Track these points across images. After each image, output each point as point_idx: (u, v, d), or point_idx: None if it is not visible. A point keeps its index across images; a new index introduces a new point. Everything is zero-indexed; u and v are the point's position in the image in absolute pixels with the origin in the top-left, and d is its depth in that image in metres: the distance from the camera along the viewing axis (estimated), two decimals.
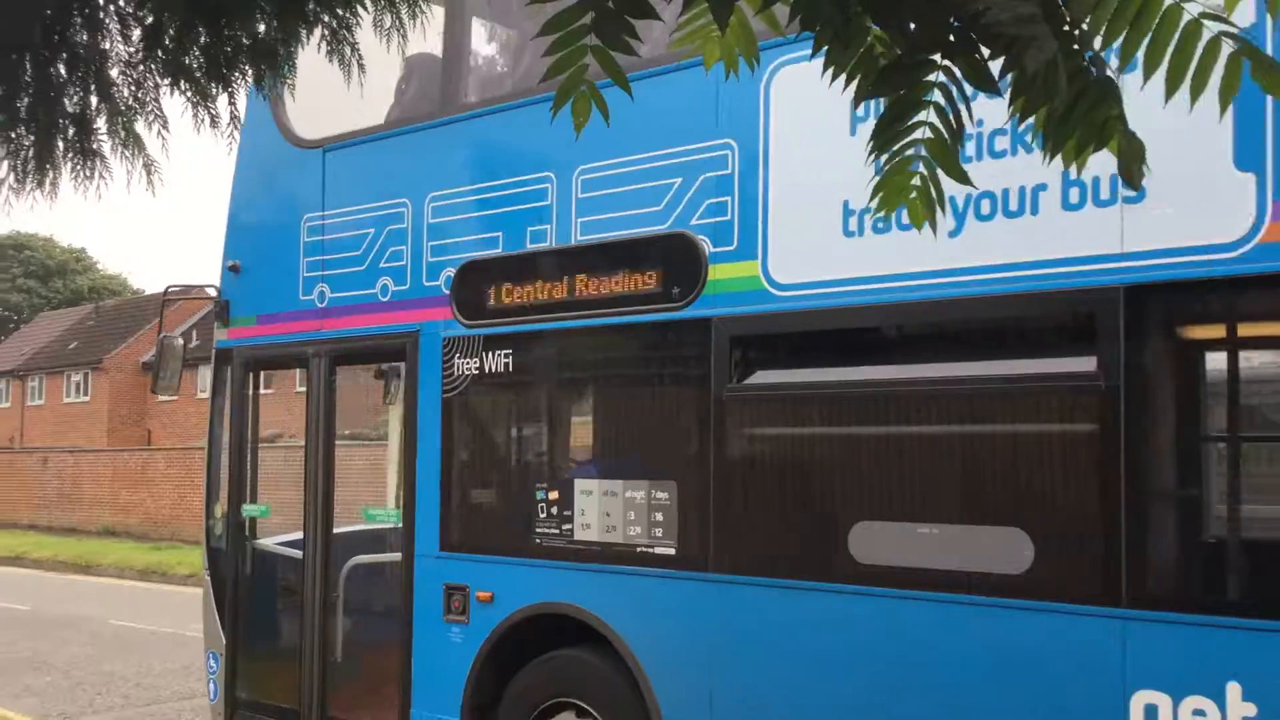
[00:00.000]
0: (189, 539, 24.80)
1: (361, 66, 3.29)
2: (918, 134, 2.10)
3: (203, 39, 3.05)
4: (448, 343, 5.97)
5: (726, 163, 5.05)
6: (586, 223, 5.55)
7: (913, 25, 1.97)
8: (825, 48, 2.12)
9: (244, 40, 3.09)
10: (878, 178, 2.19)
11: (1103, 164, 2.22)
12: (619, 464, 5.55)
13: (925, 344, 4.69)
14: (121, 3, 3.29)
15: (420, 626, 5.97)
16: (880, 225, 4.49)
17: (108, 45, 3.46)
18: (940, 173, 2.16)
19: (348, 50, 3.19)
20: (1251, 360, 4.00)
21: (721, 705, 4.90)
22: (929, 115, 2.08)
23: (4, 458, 34.37)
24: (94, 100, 3.66)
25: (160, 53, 3.21)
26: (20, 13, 3.26)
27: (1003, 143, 4.26)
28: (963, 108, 2.05)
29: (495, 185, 5.91)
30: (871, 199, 2.23)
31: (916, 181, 2.18)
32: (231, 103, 3.40)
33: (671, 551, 5.10)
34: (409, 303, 6.19)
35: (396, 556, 6.22)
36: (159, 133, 3.57)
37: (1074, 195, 4.15)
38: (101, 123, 3.50)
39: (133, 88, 3.53)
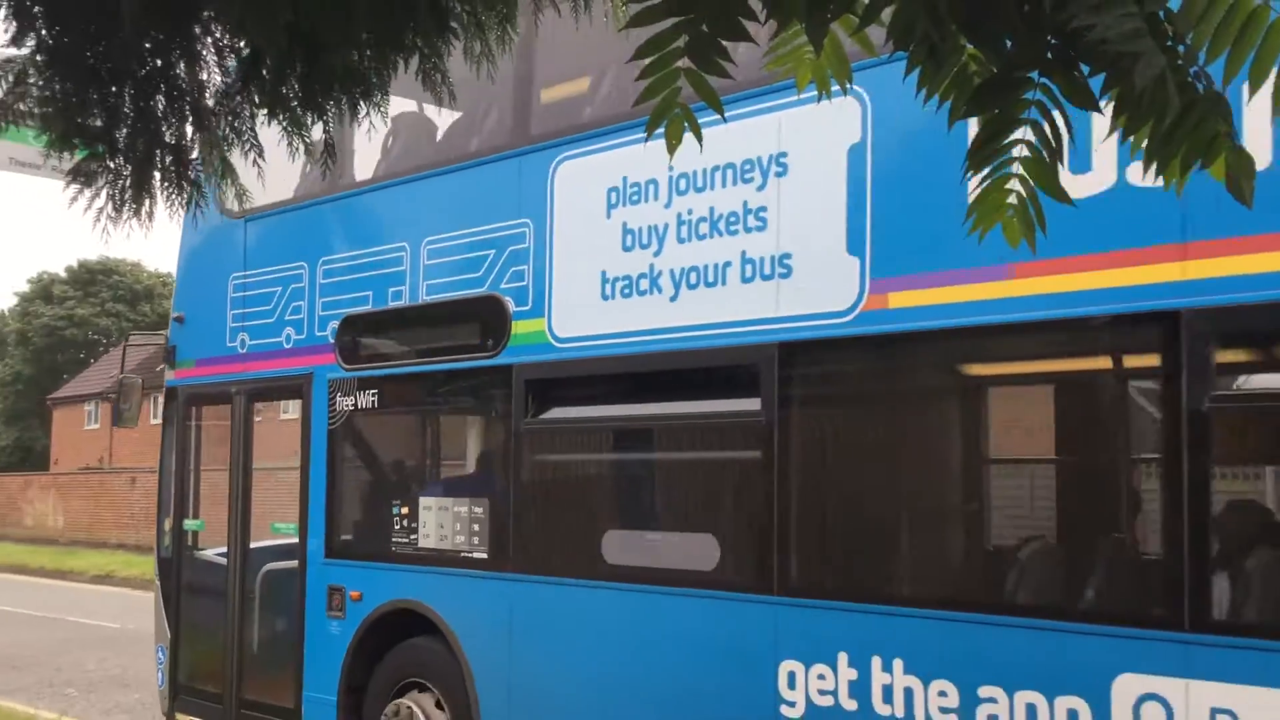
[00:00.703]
0: None
1: (452, 95, 3.36)
2: (1015, 152, 2.08)
3: (299, 69, 3.12)
4: (331, 384, 7.25)
5: (525, 238, 6.30)
6: (430, 285, 6.79)
7: (1010, 43, 1.95)
8: (918, 68, 2.11)
9: (340, 69, 3.15)
10: (975, 194, 2.18)
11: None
12: (451, 484, 7.07)
13: (651, 386, 5.91)
14: (218, 34, 3.37)
15: (310, 621, 7.26)
16: (625, 291, 5.83)
17: (205, 76, 3.55)
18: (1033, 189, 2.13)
19: (439, 78, 3.25)
20: (861, 394, 5.36)
21: (519, 676, 6.18)
22: (1026, 133, 2.06)
23: (94, 478, 35.08)
24: (189, 130, 3.74)
25: (258, 83, 3.28)
26: (121, 46, 3.35)
27: (704, 228, 5.56)
28: (1061, 125, 2.03)
29: (367, 253, 7.20)
30: (967, 217, 2.22)
31: (1013, 200, 2.16)
32: (326, 131, 3.46)
33: (485, 556, 6.39)
34: (305, 349, 7.48)
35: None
36: (254, 161, 3.64)
37: (749, 270, 5.39)
38: (197, 152, 3.59)
39: (229, 118, 3.61)
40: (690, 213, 5.64)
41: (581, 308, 6.05)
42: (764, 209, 5.36)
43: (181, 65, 3.40)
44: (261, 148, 3.68)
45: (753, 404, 5.28)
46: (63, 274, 52.74)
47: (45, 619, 17.37)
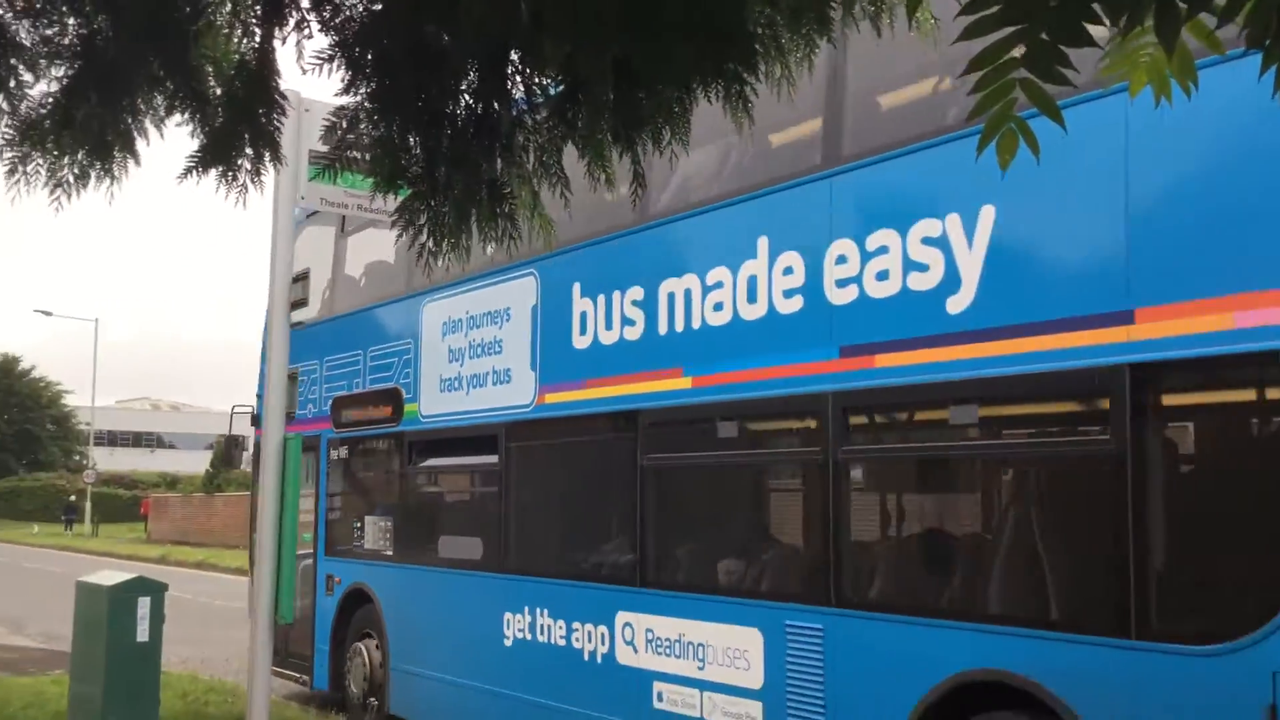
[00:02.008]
0: None
1: (751, 120, 3.36)
2: None
3: (612, 102, 3.21)
4: (328, 441, 11.64)
5: (409, 351, 10.36)
6: (371, 379, 11.01)
7: None
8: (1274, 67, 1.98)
9: (654, 101, 3.22)
10: None
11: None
12: (378, 506, 10.96)
13: (458, 446, 9.83)
14: (529, 72, 3.51)
15: (319, 598, 11.56)
16: (446, 388, 9.77)
17: (515, 113, 3.69)
18: None
19: (740, 105, 3.28)
20: (542, 450, 9.00)
21: (406, 626, 10.18)
22: None
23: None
24: (498, 165, 3.90)
25: (570, 118, 3.39)
26: (444, 88, 3.54)
27: (479, 350, 9.45)
28: None
29: (344, 356, 11.39)
30: None
31: None
32: (635, 163, 3.54)
33: (390, 552, 10.55)
34: (318, 419, 11.70)
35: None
36: (561, 193, 3.76)
37: (493, 379, 9.19)
38: (513, 187, 3.73)
39: (538, 152, 3.74)
40: (472, 341, 9.48)
41: (430, 397, 10.05)
42: (500, 340, 9.17)
43: (498, 103, 3.56)
44: (568, 180, 3.79)
45: (493, 460, 9.21)
46: None
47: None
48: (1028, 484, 5.96)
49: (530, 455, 8.98)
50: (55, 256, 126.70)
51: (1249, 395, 5.05)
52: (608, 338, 8.02)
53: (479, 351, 9.34)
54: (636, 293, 7.81)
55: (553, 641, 8.27)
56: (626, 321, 7.88)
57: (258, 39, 3.67)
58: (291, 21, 3.61)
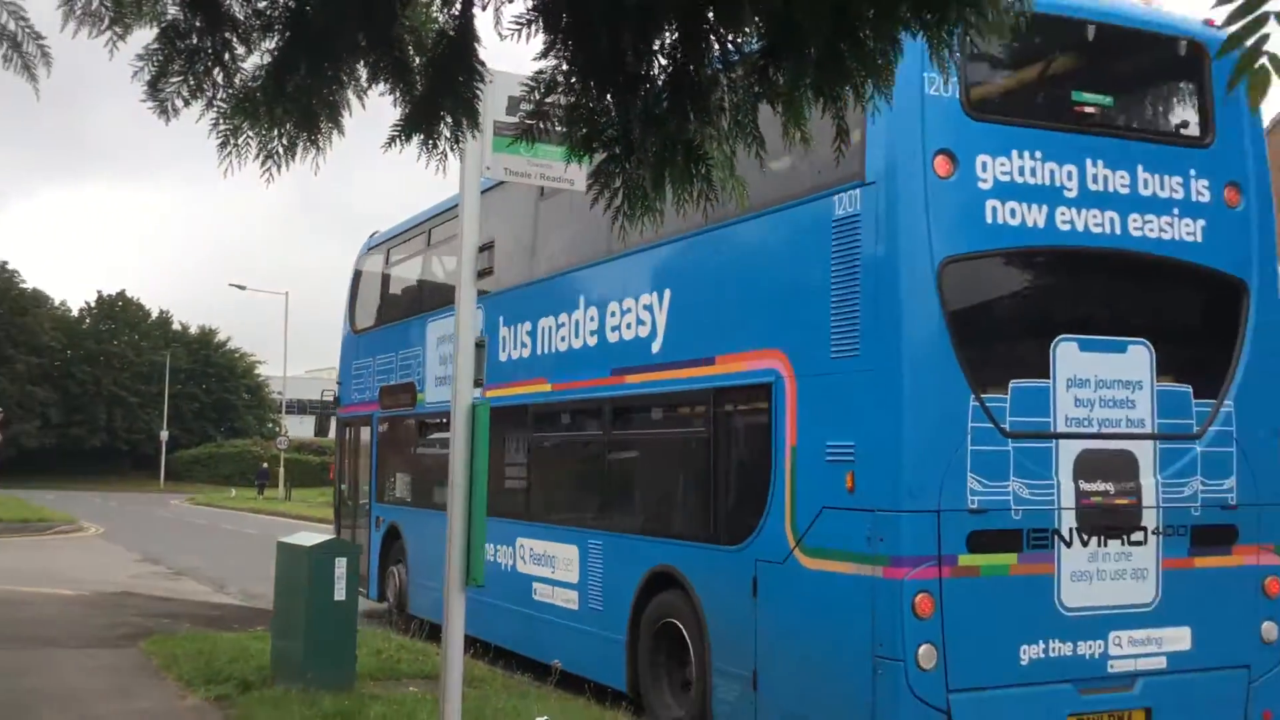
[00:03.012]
0: None
1: (955, 64, 3.24)
2: None
3: (815, 55, 3.13)
4: (378, 419, 15.56)
5: (420, 356, 14.12)
6: (399, 374, 14.72)
7: None
8: None
9: (852, 55, 3.13)
10: None
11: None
12: (403, 468, 14.92)
13: (445, 427, 10.71)
14: (725, 30, 3.45)
15: (371, 533, 15.55)
16: (438, 383, 13.35)
17: (711, 72, 3.64)
18: None
19: (946, 52, 3.15)
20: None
21: (419, 552, 13.98)
22: None
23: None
24: (690, 126, 3.86)
25: (771, 75, 3.33)
26: (640, 49, 3.52)
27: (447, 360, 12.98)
28: None
29: (385, 358, 15.31)
30: None
31: None
32: (838, 118, 3.45)
33: (409, 500, 14.69)
34: (370, 403, 15.75)
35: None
36: (756, 153, 3.70)
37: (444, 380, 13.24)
38: (708, 148, 3.69)
39: (734, 111, 3.69)
40: (445, 352, 12.42)
41: (431, 390, 13.64)
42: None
43: (693, 62, 3.52)
44: (763, 139, 3.73)
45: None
46: None
47: None
48: (680, 452, 9.88)
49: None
50: (247, 231, 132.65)
51: (759, 404, 8.45)
52: (515, 354, 12.03)
53: (450, 357, 11.18)
54: (527, 325, 11.81)
55: (495, 559, 11.82)
56: (521, 344, 11.91)
57: (458, 6, 3.71)
58: None
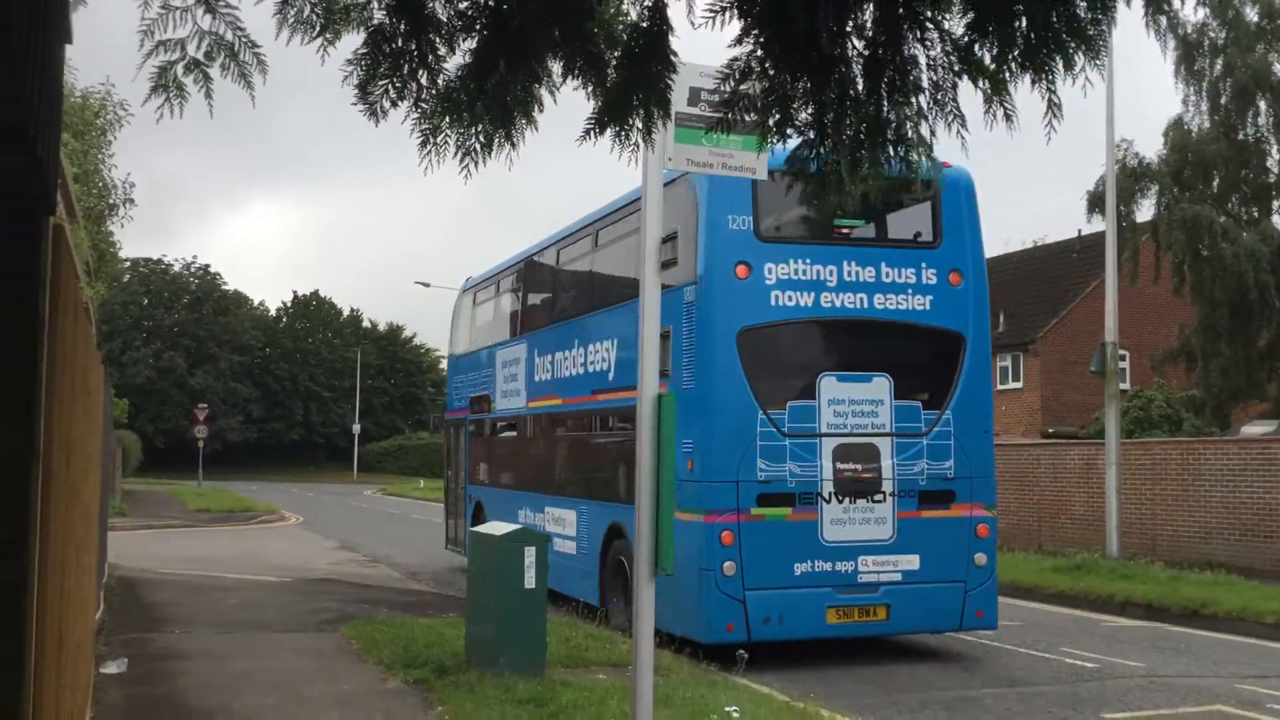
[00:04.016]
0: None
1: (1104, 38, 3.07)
2: None
3: (1023, 24, 3.02)
4: (469, 421, 20.52)
5: (492, 375, 19.13)
6: (475, 390, 20.11)
7: None
8: None
9: (1062, 24, 3.01)
10: None
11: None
12: (483, 458, 20.10)
13: (508, 429, 19.05)
14: (926, 9, 3.37)
15: (466, 506, 20.39)
16: (505, 394, 18.49)
17: (909, 52, 3.56)
18: None
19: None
20: (528, 433, 18.52)
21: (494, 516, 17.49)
22: None
23: None
24: (884, 106, 3.77)
25: (976, 50, 3.23)
26: (835, 31, 3.46)
27: (516, 377, 18.39)
28: None
29: (471, 375, 20.50)
30: None
31: None
32: (1050, 90, 3.33)
33: (487, 481, 19.68)
34: (459, 410, 21.08)
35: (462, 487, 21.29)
36: (958, 132, 3.60)
37: (515, 392, 18.57)
38: (906, 129, 3.61)
39: (931, 89, 3.60)
40: (509, 373, 17.99)
41: (499, 401, 18.51)
42: (516, 375, 17.82)
43: (888, 44, 3.44)
44: (964, 118, 3.63)
45: (515, 433, 18.64)
46: None
47: None
48: (621, 447, 13.16)
49: (530, 430, 17.65)
50: (429, 231, 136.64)
51: (627, 422, 11.91)
52: (539, 375, 16.65)
53: (510, 378, 18.03)
54: (520, 362, 17.50)
55: (528, 523, 15.82)
56: (536, 370, 16.78)
57: None
58: None
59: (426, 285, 75.07)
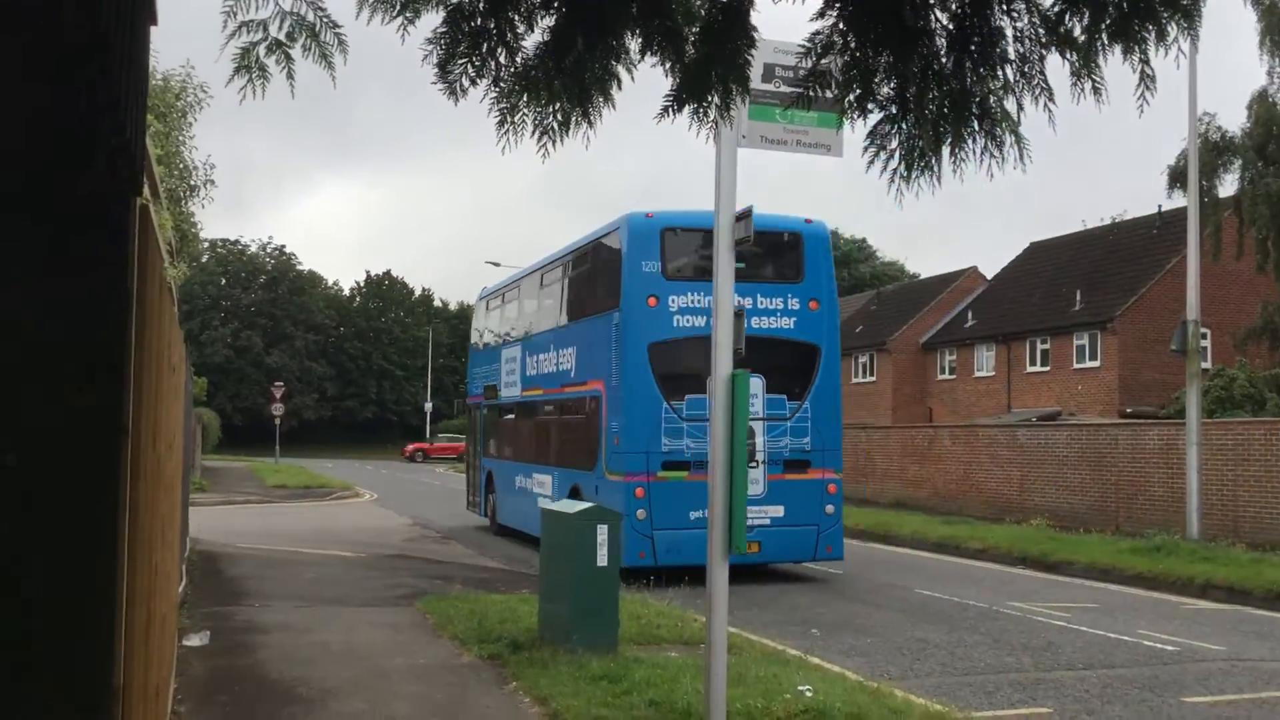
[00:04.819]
0: (973, 514, 25.30)
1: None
2: None
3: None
4: (483, 407, 25.39)
5: (497, 368, 24.24)
6: (486, 378, 25.33)
7: None
8: None
9: None
10: None
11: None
12: (494, 436, 24.64)
13: (510, 412, 23.57)
14: None
15: (481, 476, 25.17)
16: (507, 384, 23.61)
17: (995, 24, 3.48)
18: None
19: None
20: (525, 416, 23.39)
21: (503, 490, 23.46)
22: None
23: None
24: (969, 79, 3.70)
25: (1063, 22, 3.15)
26: (919, 4, 3.40)
27: (513, 371, 23.87)
28: None
29: (487, 367, 25.11)
30: None
31: None
32: (1144, 62, 3.24)
33: (495, 454, 24.37)
34: (477, 396, 25.98)
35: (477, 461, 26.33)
36: (1045, 106, 3.52)
37: (514, 382, 23.83)
38: (990, 103, 3.53)
39: (1018, 61, 3.52)
40: (511, 367, 23.09)
41: (505, 389, 23.35)
42: (514, 369, 22.96)
43: (973, 16, 3.37)
44: (1052, 91, 3.55)
45: (513, 415, 23.72)
46: None
47: None
48: (576, 427, 18.59)
49: (522, 413, 22.13)
50: (497, 211, 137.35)
51: (595, 405, 17.57)
52: (529, 371, 21.17)
53: (510, 371, 22.64)
54: (517, 359, 22.21)
55: (522, 487, 21.15)
56: (527, 367, 21.50)
57: None
58: None
59: (497, 264, 74.83)
